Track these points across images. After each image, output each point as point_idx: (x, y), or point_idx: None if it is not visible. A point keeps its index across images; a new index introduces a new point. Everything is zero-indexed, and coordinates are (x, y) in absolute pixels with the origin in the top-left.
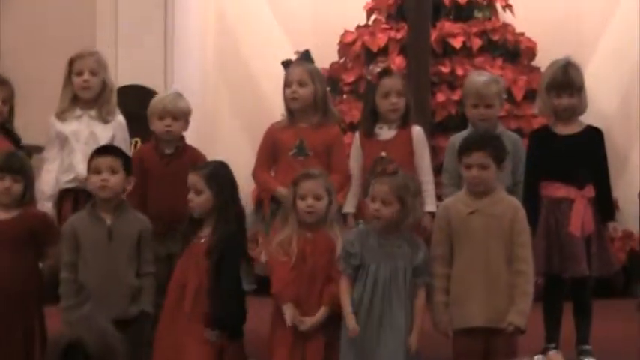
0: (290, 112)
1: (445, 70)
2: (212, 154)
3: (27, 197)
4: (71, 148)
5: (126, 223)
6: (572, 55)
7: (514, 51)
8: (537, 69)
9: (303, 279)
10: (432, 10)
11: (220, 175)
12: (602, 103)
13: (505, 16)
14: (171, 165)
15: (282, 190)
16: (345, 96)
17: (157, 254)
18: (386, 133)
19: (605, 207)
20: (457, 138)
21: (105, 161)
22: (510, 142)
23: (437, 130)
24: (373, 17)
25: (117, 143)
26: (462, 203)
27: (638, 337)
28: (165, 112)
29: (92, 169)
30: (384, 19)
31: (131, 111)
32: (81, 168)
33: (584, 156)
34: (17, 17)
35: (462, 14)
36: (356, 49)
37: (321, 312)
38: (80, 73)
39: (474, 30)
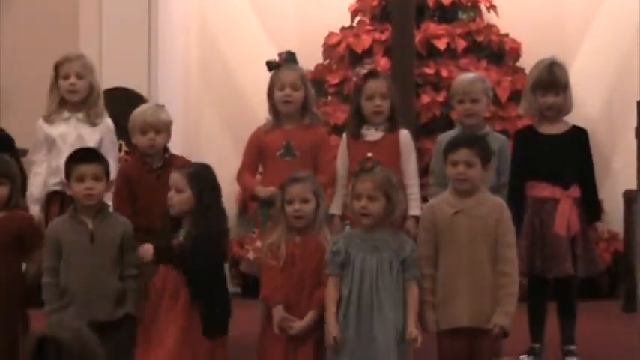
0: (276, 113)
1: (430, 71)
2: (196, 157)
3: (13, 201)
4: (59, 150)
5: (108, 227)
6: (556, 55)
7: (499, 52)
8: (522, 70)
9: (292, 282)
10: (416, 11)
11: (202, 176)
12: (585, 103)
13: (489, 17)
14: (163, 177)
15: (260, 190)
16: (329, 98)
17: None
18: (372, 134)
19: (591, 207)
20: (444, 137)
21: (89, 169)
22: (496, 143)
23: (422, 131)
24: (357, 19)
25: (105, 146)
26: (446, 203)
27: (622, 338)
28: (147, 125)
29: (75, 177)
30: (368, 21)
31: (115, 114)
32: None
33: (569, 156)
34: (1, 22)
35: (446, 15)
36: (340, 51)
37: (310, 316)
38: (67, 77)
39: (459, 31)
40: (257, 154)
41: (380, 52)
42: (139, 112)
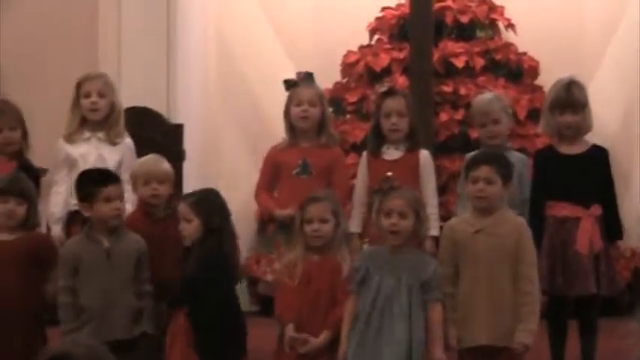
0: (292, 131)
1: (448, 89)
2: (214, 175)
3: (30, 220)
4: (79, 170)
5: (123, 244)
6: (574, 74)
7: (517, 70)
8: (540, 88)
9: (307, 301)
10: (434, 29)
11: (208, 201)
12: (604, 121)
13: (507, 36)
14: (171, 228)
15: (280, 212)
16: (348, 116)
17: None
18: (392, 153)
19: (613, 226)
20: (470, 156)
21: (114, 190)
22: (517, 161)
23: (440, 150)
24: (376, 37)
25: (125, 165)
26: (466, 222)
27: None
28: (149, 175)
29: (103, 198)
30: (386, 39)
31: (133, 133)
32: None
33: (590, 176)
34: (18, 38)
35: (464, 34)
36: (359, 70)
37: (324, 336)
38: (88, 95)
39: (477, 49)
40: (273, 172)
41: (398, 70)
42: (140, 163)
